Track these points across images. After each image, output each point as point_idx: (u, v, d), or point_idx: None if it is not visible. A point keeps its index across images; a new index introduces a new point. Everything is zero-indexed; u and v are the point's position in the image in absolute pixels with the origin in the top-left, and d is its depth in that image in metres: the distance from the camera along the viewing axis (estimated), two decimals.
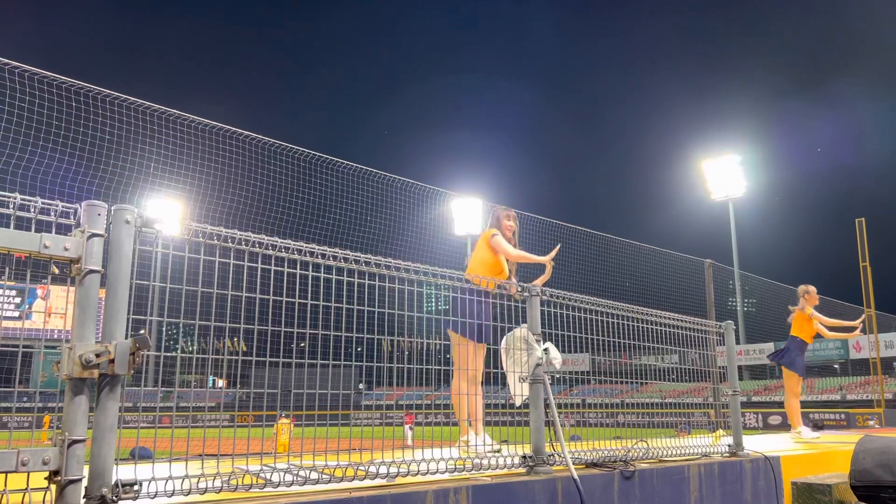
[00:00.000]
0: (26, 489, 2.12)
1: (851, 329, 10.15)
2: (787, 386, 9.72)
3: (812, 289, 9.82)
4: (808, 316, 9.51)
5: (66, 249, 2.26)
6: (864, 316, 10.14)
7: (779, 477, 5.26)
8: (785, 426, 35.03)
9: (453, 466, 3.28)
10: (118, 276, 2.33)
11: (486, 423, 5.16)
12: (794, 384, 9.56)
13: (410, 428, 19.29)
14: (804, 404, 9.81)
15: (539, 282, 5.25)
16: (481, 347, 5.02)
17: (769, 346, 52.05)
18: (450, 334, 5.01)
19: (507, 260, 5.66)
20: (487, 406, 5.55)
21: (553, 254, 5.70)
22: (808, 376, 10.07)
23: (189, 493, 2.43)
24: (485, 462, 3.51)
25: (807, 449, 6.63)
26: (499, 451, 4.25)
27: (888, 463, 4.88)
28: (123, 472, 2.28)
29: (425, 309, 3.66)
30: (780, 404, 43.83)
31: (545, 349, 3.99)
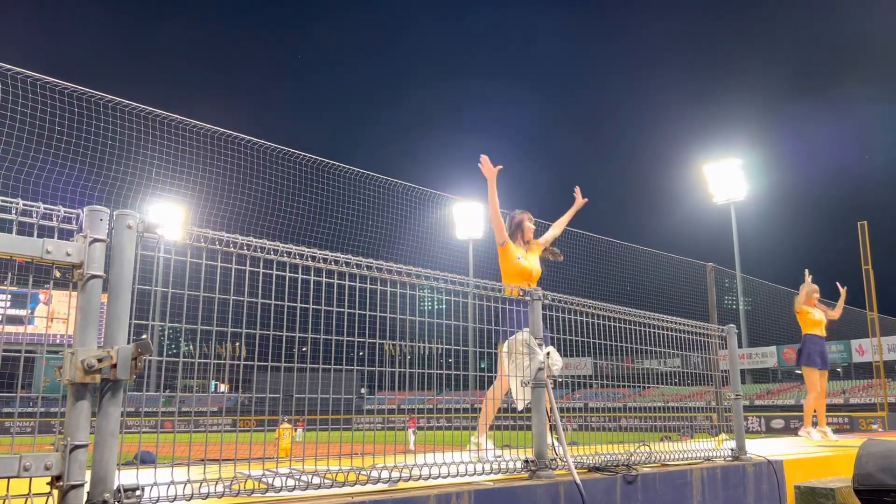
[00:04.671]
0: (28, 494, 2.12)
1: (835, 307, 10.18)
2: (807, 382, 9.65)
3: (805, 285, 9.78)
4: (800, 311, 9.58)
5: (68, 254, 2.26)
6: (844, 289, 10.25)
7: (782, 481, 5.24)
8: (788, 430, 34.98)
9: (455, 471, 3.27)
10: (120, 281, 2.34)
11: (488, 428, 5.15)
12: (813, 380, 9.50)
13: (413, 432, 19.28)
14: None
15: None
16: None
17: (772, 350, 52.01)
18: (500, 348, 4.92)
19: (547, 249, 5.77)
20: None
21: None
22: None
23: (191, 498, 2.43)
24: (487, 467, 3.51)
25: (810, 453, 6.61)
26: (500, 455, 4.24)
27: (891, 467, 4.86)
28: (125, 476, 2.28)
29: (426, 313, 3.66)
30: (783, 408, 43.79)
31: (547, 353, 3.99)
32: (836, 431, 9.70)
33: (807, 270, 9.92)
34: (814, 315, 9.63)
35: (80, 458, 2.16)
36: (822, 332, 9.66)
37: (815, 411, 9.64)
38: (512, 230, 5.80)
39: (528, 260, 5.65)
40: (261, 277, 2.88)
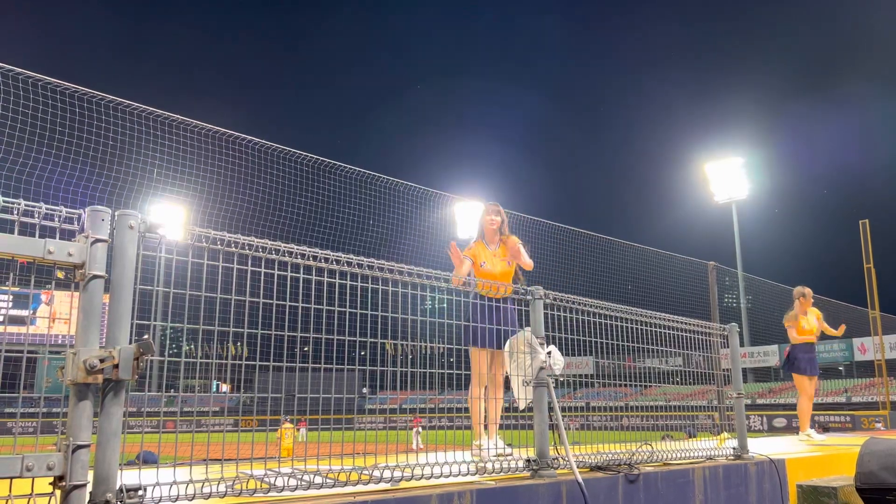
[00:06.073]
0: (31, 494, 2.12)
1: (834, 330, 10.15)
2: (798, 388, 9.73)
3: (808, 291, 9.79)
4: (786, 325, 9.60)
5: (70, 255, 2.27)
6: (843, 327, 10.12)
7: (784, 480, 5.24)
8: (790, 429, 34.94)
9: (458, 470, 3.28)
10: (122, 281, 2.34)
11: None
12: (803, 385, 9.56)
13: (417, 432, 19.20)
14: None
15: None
16: (499, 353, 4.92)
17: (773, 349, 51.96)
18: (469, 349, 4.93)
19: (517, 263, 5.63)
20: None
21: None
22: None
23: (193, 498, 2.43)
24: (489, 466, 3.51)
25: (812, 451, 6.61)
26: (510, 453, 4.25)
27: (894, 465, 4.86)
28: (128, 477, 2.29)
29: (428, 312, 3.66)
30: (785, 406, 43.75)
31: (548, 352, 3.99)
32: (838, 430, 9.72)
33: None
34: (804, 325, 9.67)
35: (83, 459, 2.17)
36: (813, 338, 9.72)
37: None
38: (478, 234, 5.68)
39: (491, 264, 5.48)
40: (262, 277, 2.88)
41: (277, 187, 15.55)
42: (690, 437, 7.57)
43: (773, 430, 38.55)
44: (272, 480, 2.72)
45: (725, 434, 5.72)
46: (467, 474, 3.33)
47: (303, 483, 2.74)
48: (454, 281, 4.44)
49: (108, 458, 2.22)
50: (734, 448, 5.29)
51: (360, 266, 3.19)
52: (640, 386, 5.97)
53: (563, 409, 3.92)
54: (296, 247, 2.97)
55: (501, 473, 3.55)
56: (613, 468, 4.04)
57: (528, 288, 4.12)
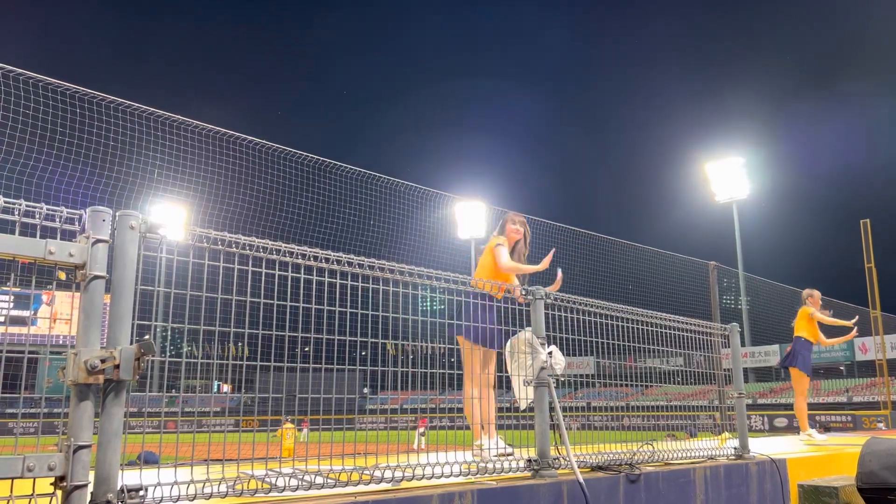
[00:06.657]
0: (32, 495, 2.12)
1: (847, 330, 10.13)
2: (796, 387, 9.70)
3: (816, 293, 9.86)
4: (809, 314, 9.59)
5: (70, 255, 2.27)
6: (856, 318, 10.09)
7: (785, 479, 5.24)
8: (791, 429, 34.90)
9: (458, 470, 3.28)
10: (123, 281, 2.34)
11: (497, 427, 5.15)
12: (803, 384, 9.54)
13: (421, 433, 19.09)
14: (810, 406, 9.79)
15: (552, 289, 5.07)
16: (491, 352, 5.01)
17: (774, 349, 51.92)
18: (459, 340, 4.95)
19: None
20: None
21: (548, 259, 5.57)
22: (813, 378, 10.05)
23: (195, 499, 2.43)
24: (490, 466, 3.51)
25: (813, 451, 6.61)
26: (511, 453, 4.25)
27: (895, 465, 4.86)
28: (129, 477, 2.29)
29: (429, 312, 3.66)
30: (786, 406, 43.71)
31: (549, 352, 3.99)
32: (839, 430, 9.73)
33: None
34: (816, 325, 9.69)
35: (84, 459, 2.17)
36: (815, 339, 9.74)
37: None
38: (498, 232, 5.80)
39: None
40: (263, 277, 2.88)
41: (277, 187, 15.55)
42: (691, 436, 7.58)
43: (774, 430, 38.53)
44: (273, 481, 2.73)
45: (726, 434, 5.72)
46: (468, 474, 3.33)
47: (304, 483, 2.74)
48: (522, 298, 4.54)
49: (110, 458, 2.22)
50: (735, 448, 5.29)
51: (360, 266, 3.19)
52: (641, 386, 5.97)
53: (563, 409, 3.92)
54: (296, 247, 2.97)
55: (502, 473, 3.55)
56: (614, 468, 4.04)
57: (529, 288, 4.12)
